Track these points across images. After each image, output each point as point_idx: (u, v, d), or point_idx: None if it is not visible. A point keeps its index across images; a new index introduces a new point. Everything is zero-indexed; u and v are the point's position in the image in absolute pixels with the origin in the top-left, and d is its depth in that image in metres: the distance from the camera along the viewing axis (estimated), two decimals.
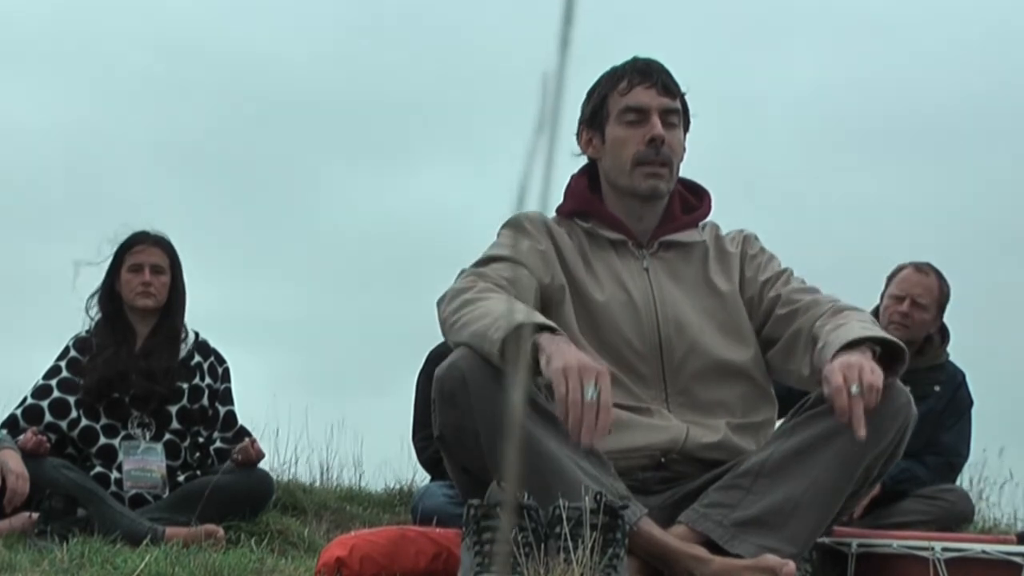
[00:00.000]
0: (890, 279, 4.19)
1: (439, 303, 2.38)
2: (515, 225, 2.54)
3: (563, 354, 2.07)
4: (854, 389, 2.11)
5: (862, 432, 2.11)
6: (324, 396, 7.30)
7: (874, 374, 2.14)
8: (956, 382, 4.18)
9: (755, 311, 2.55)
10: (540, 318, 2.20)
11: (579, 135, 2.63)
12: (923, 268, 4.16)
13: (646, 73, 2.53)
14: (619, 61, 2.60)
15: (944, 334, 4.22)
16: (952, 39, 8.89)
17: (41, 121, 8.40)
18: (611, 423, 2.07)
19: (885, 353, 2.28)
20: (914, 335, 4.04)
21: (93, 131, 8.87)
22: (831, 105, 8.75)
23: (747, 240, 2.65)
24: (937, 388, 4.08)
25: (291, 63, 9.14)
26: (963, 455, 4.22)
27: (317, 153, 9.36)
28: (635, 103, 2.51)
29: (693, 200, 2.66)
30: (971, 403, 4.21)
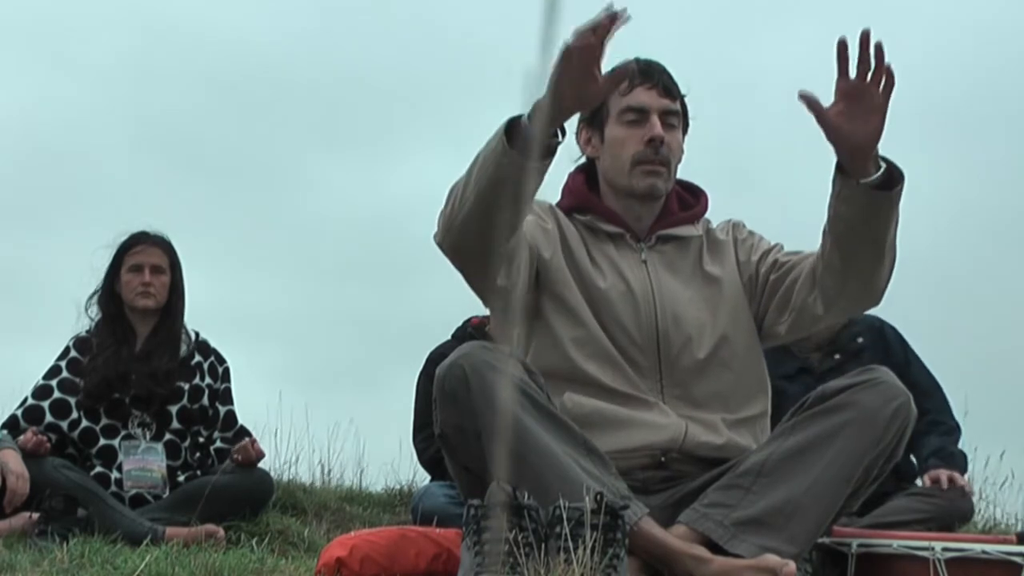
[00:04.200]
0: None
1: (435, 237, 2.35)
2: None
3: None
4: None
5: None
6: (323, 395, 7.30)
7: None
8: (876, 326, 4.15)
9: (755, 290, 2.58)
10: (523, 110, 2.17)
11: (578, 134, 2.64)
12: None
13: (647, 74, 2.54)
14: (617, 60, 2.60)
15: None
16: (957, 25, 8.84)
17: (22, 109, 8.36)
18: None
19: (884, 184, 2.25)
20: None
21: (75, 119, 8.83)
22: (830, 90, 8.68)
23: (736, 227, 2.69)
24: (860, 339, 4.06)
25: (275, 48, 9.09)
26: (941, 391, 4.15)
27: (304, 142, 9.31)
28: (636, 103, 2.52)
29: (690, 199, 2.68)
30: (901, 336, 4.16)
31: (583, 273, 2.51)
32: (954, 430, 4.06)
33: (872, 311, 4.13)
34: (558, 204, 2.65)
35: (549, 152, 2.16)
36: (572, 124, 2.64)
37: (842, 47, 2.13)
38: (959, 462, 3.97)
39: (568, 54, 2.05)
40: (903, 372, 4.01)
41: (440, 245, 2.33)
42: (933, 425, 4.02)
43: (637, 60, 2.58)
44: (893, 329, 4.18)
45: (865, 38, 2.12)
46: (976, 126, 8.52)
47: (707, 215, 2.70)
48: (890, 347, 4.12)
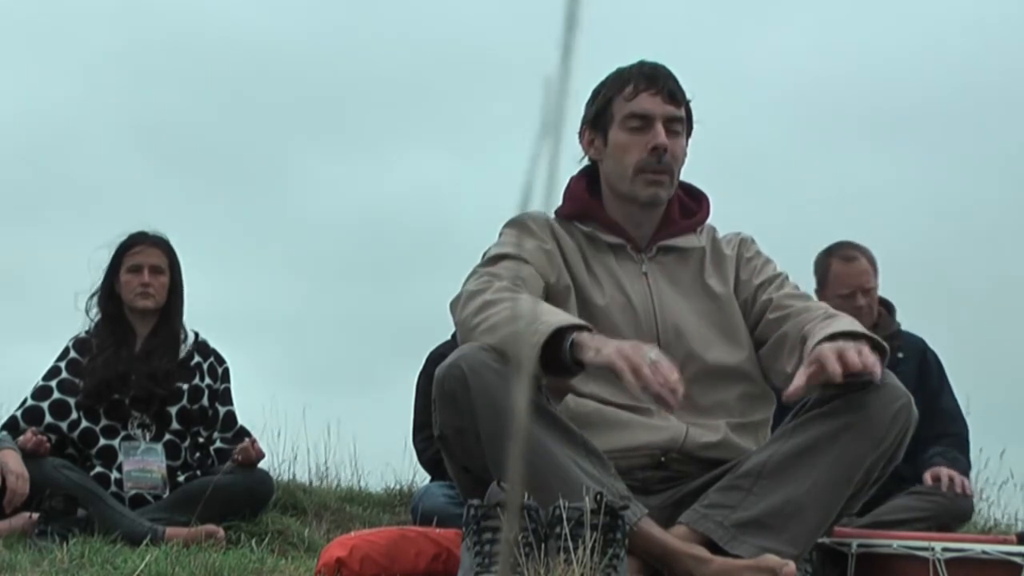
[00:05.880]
0: (822, 278, 4.07)
1: (453, 305, 2.40)
2: (519, 224, 2.54)
3: (609, 342, 2.12)
4: (850, 347, 2.13)
5: (879, 372, 2.15)
6: (322, 395, 7.29)
7: (864, 347, 2.17)
8: (919, 348, 4.13)
9: (748, 313, 2.57)
10: (574, 319, 2.23)
11: (581, 135, 2.63)
12: (849, 255, 4.04)
13: (652, 79, 2.52)
14: (625, 62, 2.60)
15: (888, 307, 4.18)
16: (954, 22, 8.81)
17: (17, 108, 8.33)
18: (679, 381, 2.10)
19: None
20: (874, 317, 4.03)
21: (74, 119, 8.79)
22: (830, 87, 8.67)
23: (743, 243, 2.66)
24: (900, 355, 4.04)
25: (274, 46, 9.06)
26: (964, 421, 4.17)
27: (303, 140, 9.28)
28: (640, 110, 2.51)
29: (692, 204, 2.66)
30: (940, 364, 4.16)
31: (581, 289, 2.51)
32: (964, 462, 4.04)
33: (917, 333, 4.17)
34: (559, 210, 2.64)
35: (571, 372, 2.20)
36: (575, 124, 2.64)
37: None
38: (961, 466, 3.96)
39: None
40: (934, 398, 4.03)
41: (455, 323, 2.40)
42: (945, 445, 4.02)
43: (643, 63, 2.57)
44: (935, 355, 4.16)
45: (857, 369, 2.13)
46: (975, 121, 8.51)
47: (712, 220, 2.68)
48: (930, 371, 4.10)
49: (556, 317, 2.19)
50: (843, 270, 4.03)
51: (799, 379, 2.16)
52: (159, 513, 3.73)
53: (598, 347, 2.11)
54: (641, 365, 2.05)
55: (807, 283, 2.67)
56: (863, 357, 2.14)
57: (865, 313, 3.94)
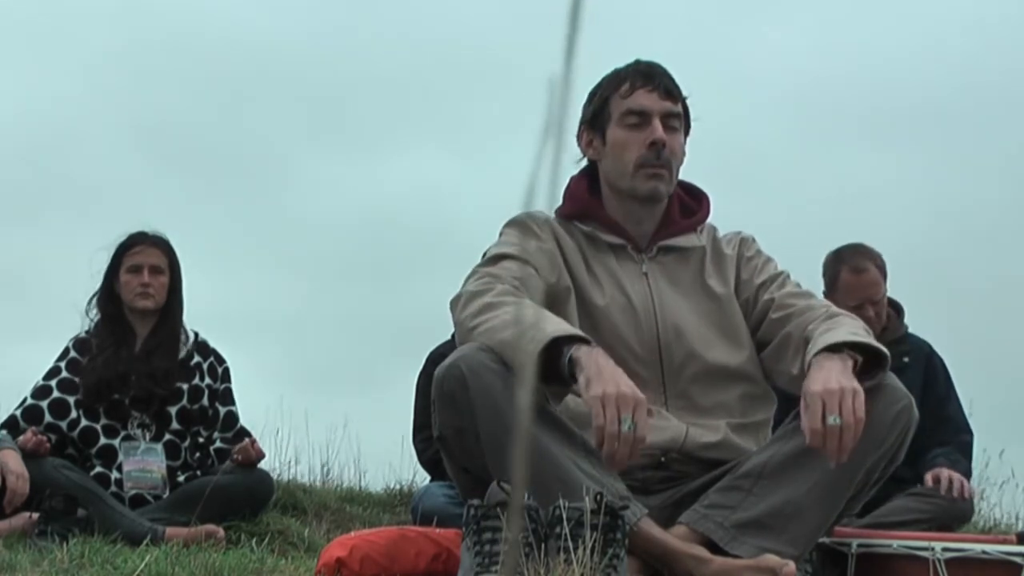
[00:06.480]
0: (831, 283, 4.04)
1: (453, 305, 2.39)
2: (520, 224, 2.54)
3: (602, 378, 2.09)
4: (831, 420, 2.11)
5: (832, 464, 2.13)
6: (323, 395, 7.28)
7: (856, 400, 2.13)
8: (925, 352, 4.12)
9: (750, 313, 2.56)
10: (573, 329, 2.22)
11: (579, 136, 2.63)
12: (859, 266, 4.00)
13: (649, 76, 2.53)
14: (622, 63, 2.60)
15: (897, 309, 4.17)
16: (962, 18, 8.81)
17: (15, 108, 8.32)
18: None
19: (866, 357, 2.28)
20: (883, 323, 4.01)
21: (63, 115, 8.78)
22: (830, 87, 8.66)
23: (744, 243, 2.66)
24: (906, 359, 4.02)
25: (268, 45, 9.05)
26: (970, 429, 4.16)
27: (303, 140, 9.27)
28: (637, 106, 2.52)
29: (692, 204, 2.66)
30: (947, 369, 4.16)
31: (581, 290, 2.51)
32: (965, 464, 4.03)
33: (924, 336, 4.16)
34: (559, 210, 2.64)
35: (568, 385, 2.20)
36: (573, 127, 2.65)
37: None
38: (963, 468, 3.95)
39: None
40: (941, 404, 4.02)
41: (455, 323, 2.39)
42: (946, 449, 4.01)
43: (639, 62, 2.58)
44: (941, 360, 4.15)
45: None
46: (975, 121, 8.51)
47: (712, 220, 2.68)
48: (936, 376, 4.08)
49: (555, 326, 2.18)
50: (853, 281, 4.00)
51: (805, 428, 2.16)
52: (159, 513, 3.73)
53: (590, 377, 2.09)
54: (615, 434, 2.04)
55: (807, 283, 2.66)
56: (844, 415, 2.12)
57: (874, 323, 3.91)
